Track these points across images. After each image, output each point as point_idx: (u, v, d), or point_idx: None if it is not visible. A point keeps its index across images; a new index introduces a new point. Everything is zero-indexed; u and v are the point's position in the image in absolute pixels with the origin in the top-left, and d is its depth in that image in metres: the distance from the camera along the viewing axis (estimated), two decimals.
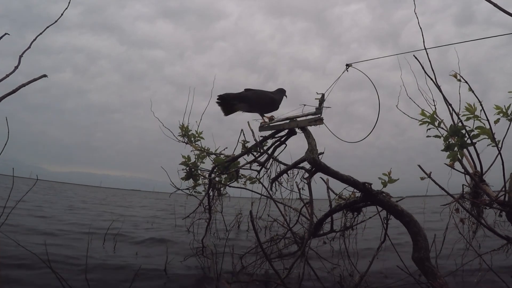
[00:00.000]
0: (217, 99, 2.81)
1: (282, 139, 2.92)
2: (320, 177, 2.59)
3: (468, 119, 2.08)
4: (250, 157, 3.18)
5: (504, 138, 2.00)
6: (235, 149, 3.23)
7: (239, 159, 3.23)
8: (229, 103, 2.84)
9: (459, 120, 2.06)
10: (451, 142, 2.13)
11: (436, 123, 2.22)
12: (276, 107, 2.88)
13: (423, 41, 2.01)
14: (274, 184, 2.88)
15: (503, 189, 2.08)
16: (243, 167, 3.23)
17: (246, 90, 2.85)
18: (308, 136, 2.53)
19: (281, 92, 2.92)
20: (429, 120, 2.22)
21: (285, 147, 2.95)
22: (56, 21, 1.64)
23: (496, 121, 2.08)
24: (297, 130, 2.74)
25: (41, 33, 1.58)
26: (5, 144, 1.46)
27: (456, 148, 2.12)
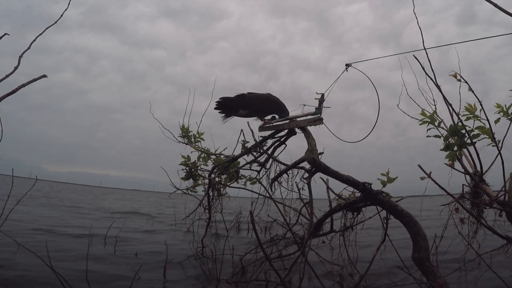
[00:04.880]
0: (216, 105, 2.82)
1: (282, 139, 2.92)
2: (320, 177, 2.59)
3: (468, 119, 2.08)
4: (250, 157, 3.19)
5: (504, 138, 2.00)
6: (234, 149, 3.24)
7: (239, 159, 3.23)
8: (230, 108, 2.84)
9: (459, 120, 2.07)
10: (450, 142, 2.13)
11: (436, 123, 2.23)
12: (280, 109, 2.84)
13: (423, 41, 2.02)
14: (274, 184, 2.88)
15: (503, 189, 2.08)
16: (243, 167, 3.23)
17: (239, 95, 2.83)
18: (308, 136, 2.53)
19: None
20: (429, 120, 2.22)
21: (285, 147, 2.95)
22: (56, 22, 1.65)
23: (497, 121, 2.09)
24: (297, 130, 2.74)
25: (40, 34, 1.59)
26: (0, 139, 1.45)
27: (455, 148, 2.12)
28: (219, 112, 2.86)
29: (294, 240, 2.73)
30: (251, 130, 3.08)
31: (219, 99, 2.82)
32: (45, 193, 15.92)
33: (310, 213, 2.37)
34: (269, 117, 2.92)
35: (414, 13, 2.06)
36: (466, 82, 2.19)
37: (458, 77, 2.24)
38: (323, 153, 2.52)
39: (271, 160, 2.96)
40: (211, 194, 3.39)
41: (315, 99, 2.60)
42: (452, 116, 2.22)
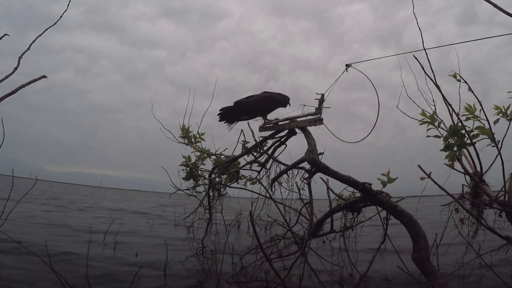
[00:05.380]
0: (219, 117, 2.81)
1: (282, 140, 2.92)
2: (320, 177, 2.59)
3: (467, 119, 2.08)
4: (250, 158, 3.18)
5: (503, 138, 2.00)
6: (235, 149, 3.23)
7: (239, 160, 3.23)
8: (232, 116, 2.83)
9: (458, 120, 2.07)
10: (450, 142, 2.13)
11: (436, 123, 2.23)
12: (281, 104, 2.83)
13: (422, 42, 2.02)
14: (274, 184, 2.88)
15: (503, 189, 2.08)
16: (243, 168, 3.23)
17: (237, 102, 2.81)
18: (308, 136, 2.53)
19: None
20: (429, 120, 2.22)
21: (285, 148, 2.95)
22: (55, 23, 1.65)
23: (496, 121, 2.09)
24: (297, 130, 2.74)
25: (40, 35, 1.59)
26: (1, 144, 1.45)
27: (455, 148, 2.12)
28: (224, 123, 2.87)
29: (294, 240, 2.73)
30: (251, 130, 3.08)
31: (220, 110, 2.83)
32: (48, 194, 15.94)
33: (310, 213, 2.37)
34: (270, 117, 2.92)
35: (414, 14, 2.06)
36: (465, 82, 2.19)
37: (458, 78, 2.24)
38: (323, 153, 2.52)
39: (271, 160, 2.96)
40: (211, 194, 3.39)
41: (315, 99, 2.60)
42: (452, 116, 2.22)
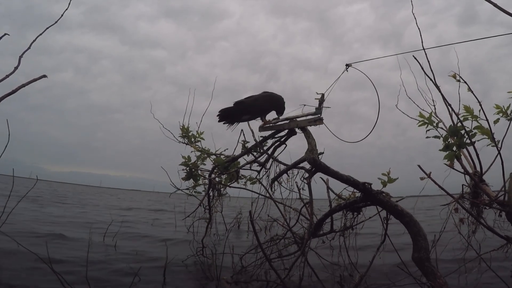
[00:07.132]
0: (218, 118, 2.81)
1: (282, 139, 2.92)
2: (320, 177, 2.59)
3: (465, 119, 2.08)
4: (250, 157, 3.19)
5: (503, 138, 2.00)
6: (235, 149, 3.24)
7: (239, 160, 3.23)
8: (232, 116, 2.83)
9: (458, 120, 2.07)
10: (450, 142, 2.14)
11: (435, 124, 2.23)
12: (279, 104, 2.83)
13: (422, 42, 2.02)
14: (274, 184, 2.88)
15: (503, 189, 2.08)
16: (243, 167, 3.23)
17: (237, 103, 2.81)
18: (308, 136, 2.53)
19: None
20: (427, 121, 2.22)
21: (285, 147, 2.95)
22: (56, 22, 1.64)
23: (496, 121, 2.09)
24: (297, 130, 2.74)
25: (40, 34, 1.58)
26: (5, 147, 1.46)
27: (454, 148, 2.12)
28: (223, 123, 2.87)
29: (294, 240, 2.73)
30: (251, 130, 3.09)
31: (219, 112, 2.82)
32: (48, 193, 15.94)
33: (310, 213, 2.37)
34: (270, 117, 2.92)
35: (413, 14, 2.06)
36: (465, 82, 2.20)
37: (457, 78, 2.24)
38: (323, 153, 2.52)
39: (271, 160, 2.96)
40: (211, 194, 3.39)
41: (315, 99, 2.60)
42: (451, 116, 2.22)
